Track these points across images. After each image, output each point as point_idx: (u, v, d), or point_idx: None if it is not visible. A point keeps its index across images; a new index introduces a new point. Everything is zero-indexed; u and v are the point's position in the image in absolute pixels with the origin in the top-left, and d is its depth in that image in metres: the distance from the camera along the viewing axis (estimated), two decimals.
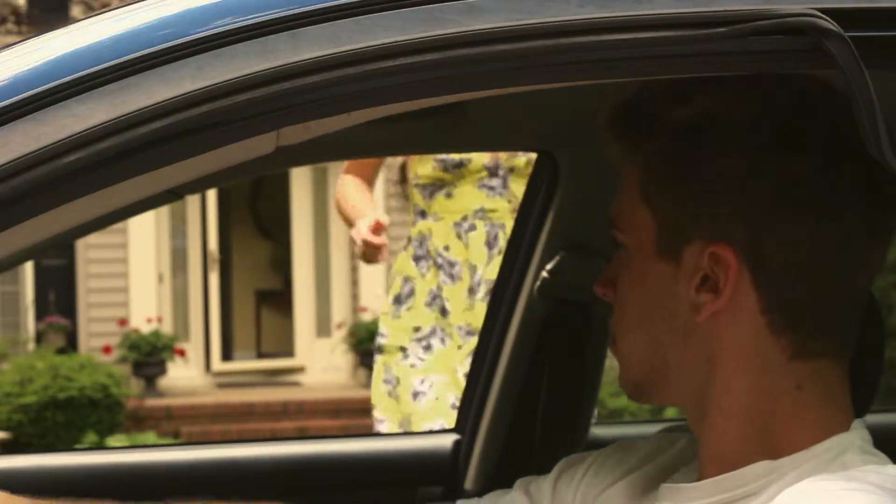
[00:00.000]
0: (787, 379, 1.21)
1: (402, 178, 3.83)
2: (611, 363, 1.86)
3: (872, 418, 1.56)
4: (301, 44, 1.08)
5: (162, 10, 1.13)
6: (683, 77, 1.22)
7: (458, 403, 3.04)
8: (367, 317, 12.69)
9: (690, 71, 1.16)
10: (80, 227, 1.69)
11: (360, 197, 3.64)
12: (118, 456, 2.49)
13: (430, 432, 2.91)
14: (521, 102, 1.63)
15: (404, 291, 3.67)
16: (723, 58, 1.13)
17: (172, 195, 1.91)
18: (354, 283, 13.17)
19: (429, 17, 1.10)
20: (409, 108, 1.36)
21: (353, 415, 11.15)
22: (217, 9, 1.11)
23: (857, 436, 1.21)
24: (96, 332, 12.40)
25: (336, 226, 13.35)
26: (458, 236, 3.58)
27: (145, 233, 12.37)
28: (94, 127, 1.05)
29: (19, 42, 1.18)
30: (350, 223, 3.56)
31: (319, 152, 2.02)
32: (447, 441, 2.47)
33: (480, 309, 3.40)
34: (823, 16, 1.09)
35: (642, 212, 1.25)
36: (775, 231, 1.19)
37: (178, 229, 13.24)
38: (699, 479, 1.26)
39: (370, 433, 3.55)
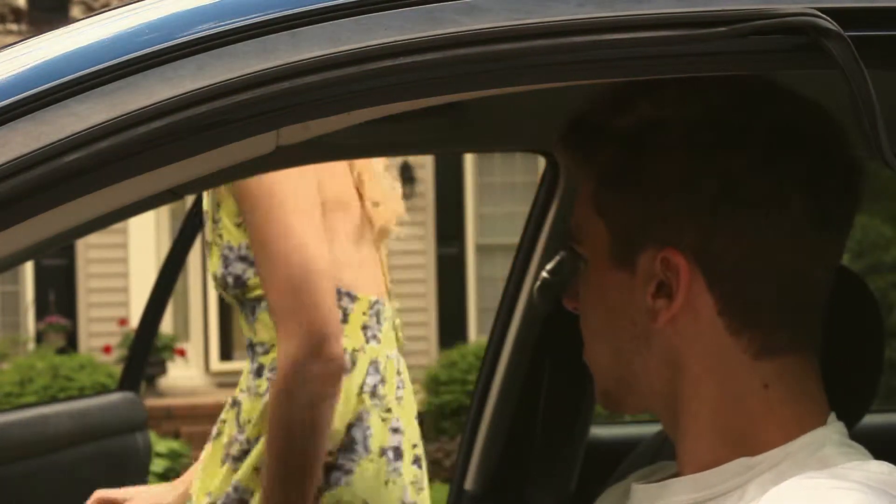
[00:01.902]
0: (753, 378, 1.20)
1: None
2: None
3: (872, 418, 1.56)
4: (301, 43, 1.08)
5: (161, 9, 1.13)
6: (627, 85, 1.23)
7: None
8: None
9: (690, 70, 1.16)
10: (80, 227, 1.69)
11: None
12: None
13: None
14: (521, 102, 1.63)
15: None
16: (722, 57, 1.13)
17: (172, 195, 1.91)
18: None
19: (428, 17, 1.09)
20: (409, 108, 1.36)
21: None
22: (217, 8, 1.12)
23: (833, 429, 1.21)
24: (96, 332, 12.41)
25: None
26: None
27: (145, 233, 12.37)
28: (94, 126, 1.05)
29: (19, 42, 1.18)
30: None
31: (319, 152, 2.01)
32: None
33: None
34: (823, 15, 1.09)
35: (596, 222, 1.26)
36: (724, 231, 1.19)
37: (178, 229, 13.25)
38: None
39: None
